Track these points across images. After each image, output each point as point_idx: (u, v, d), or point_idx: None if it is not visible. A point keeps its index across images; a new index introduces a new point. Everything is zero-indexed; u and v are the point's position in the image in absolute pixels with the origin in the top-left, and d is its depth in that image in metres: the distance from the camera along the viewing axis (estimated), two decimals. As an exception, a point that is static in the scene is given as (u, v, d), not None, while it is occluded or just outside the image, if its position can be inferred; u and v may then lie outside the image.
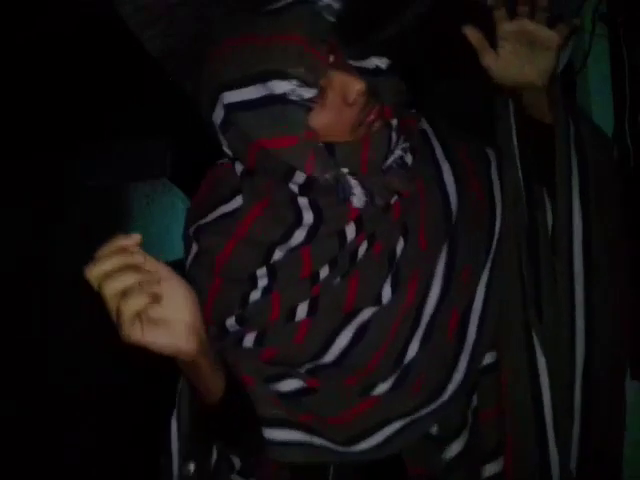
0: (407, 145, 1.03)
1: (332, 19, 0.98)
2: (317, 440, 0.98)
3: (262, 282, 1.04)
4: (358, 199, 0.99)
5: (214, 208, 1.09)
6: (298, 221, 1.02)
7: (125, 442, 2.18)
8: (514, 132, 1.09)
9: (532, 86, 1.01)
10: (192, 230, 1.10)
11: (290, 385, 1.01)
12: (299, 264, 1.03)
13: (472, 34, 1.00)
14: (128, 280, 0.78)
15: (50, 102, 2.17)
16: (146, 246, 0.82)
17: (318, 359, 1.03)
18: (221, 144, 1.04)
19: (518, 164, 1.07)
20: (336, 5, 0.98)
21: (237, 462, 1.03)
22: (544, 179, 1.06)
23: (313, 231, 1.02)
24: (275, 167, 0.99)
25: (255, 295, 1.05)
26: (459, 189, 1.09)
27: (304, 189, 1.00)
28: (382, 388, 1.02)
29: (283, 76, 0.93)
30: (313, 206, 1.01)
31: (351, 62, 1.00)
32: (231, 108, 0.97)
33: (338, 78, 0.96)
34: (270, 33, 0.95)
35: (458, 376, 1.02)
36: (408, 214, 1.05)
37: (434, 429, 1.03)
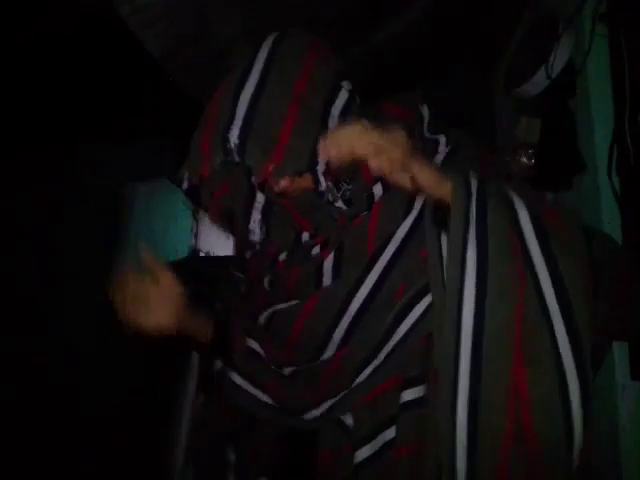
0: (347, 191, 1.13)
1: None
2: (260, 395, 1.17)
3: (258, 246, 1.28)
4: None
5: None
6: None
7: (125, 442, 2.18)
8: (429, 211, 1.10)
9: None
10: None
11: (253, 345, 1.19)
12: (269, 242, 1.25)
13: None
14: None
15: (50, 102, 2.17)
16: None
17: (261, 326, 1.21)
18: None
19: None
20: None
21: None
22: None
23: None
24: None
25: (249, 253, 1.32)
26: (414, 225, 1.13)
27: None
28: (286, 371, 1.16)
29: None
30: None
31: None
32: None
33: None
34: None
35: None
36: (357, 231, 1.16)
37: (349, 422, 1.12)
